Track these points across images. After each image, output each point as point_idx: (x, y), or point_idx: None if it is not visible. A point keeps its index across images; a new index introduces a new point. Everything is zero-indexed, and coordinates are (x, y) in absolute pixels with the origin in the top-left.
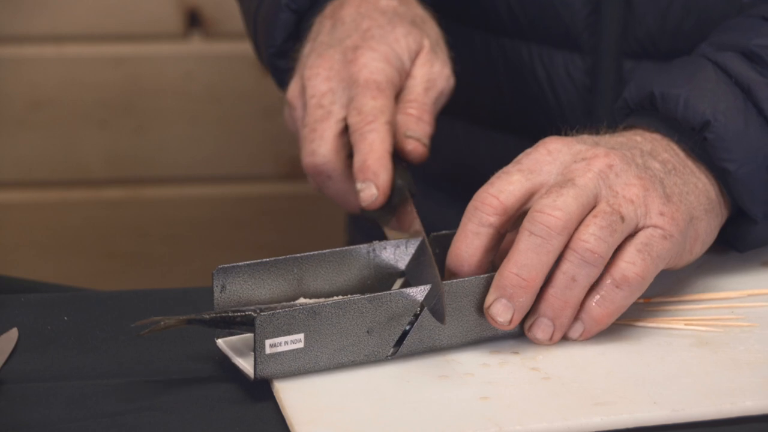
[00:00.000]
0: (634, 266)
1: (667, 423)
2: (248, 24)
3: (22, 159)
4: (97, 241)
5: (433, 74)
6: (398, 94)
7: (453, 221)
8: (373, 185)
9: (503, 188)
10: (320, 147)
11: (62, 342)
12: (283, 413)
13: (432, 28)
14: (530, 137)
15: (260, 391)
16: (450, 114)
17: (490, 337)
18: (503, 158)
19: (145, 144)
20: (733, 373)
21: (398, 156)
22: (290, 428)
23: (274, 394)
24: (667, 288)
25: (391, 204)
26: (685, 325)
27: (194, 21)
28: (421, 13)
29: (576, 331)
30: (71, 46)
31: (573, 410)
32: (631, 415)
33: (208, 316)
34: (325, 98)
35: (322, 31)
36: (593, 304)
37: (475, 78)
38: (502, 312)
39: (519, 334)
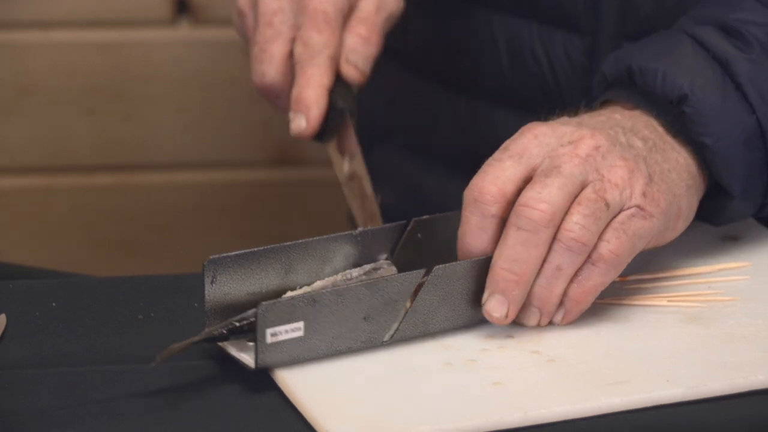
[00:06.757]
0: (609, 244)
1: (683, 400)
2: None
3: (9, 145)
4: (85, 227)
5: None
6: (347, 14)
7: (453, 194)
8: (303, 117)
9: (499, 174)
10: (269, 68)
11: (51, 329)
12: (300, 408)
13: None
14: (531, 114)
15: (252, 374)
16: (452, 89)
17: (482, 320)
18: (503, 133)
19: (133, 130)
20: (732, 347)
21: (341, 78)
22: (313, 423)
23: (283, 389)
24: (637, 266)
25: (332, 126)
26: (669, 302)
27: (182, 7)
28: None
29: (558, 315)
30: (58, 32)
31: (590, 392)
32: (648, 394)
33: (216, 332)
34: (275, 17)
35: None
36: (572, 285)
37: (478, 54)
38: (497, 307)
39: None
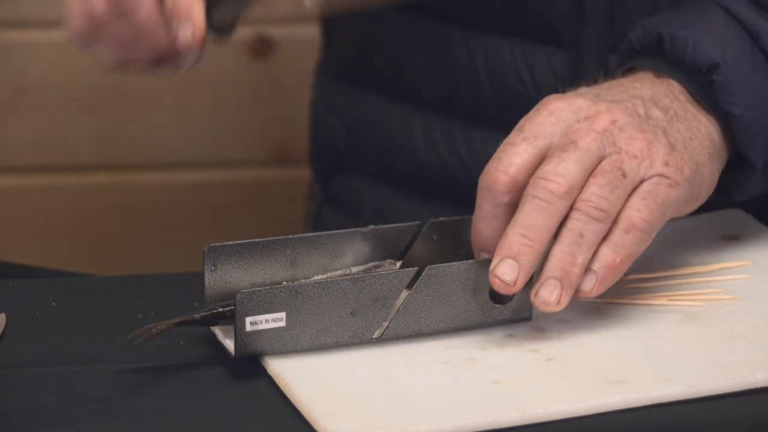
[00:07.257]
0: (639, 212)
1: (682, 399)
2: None
3: (9, 144)
4: (84, 226)
5: None
6: None
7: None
8: (189, 24)
9: (511, 161)
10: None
11: (51, 328)
12: (299, 407)
13: None
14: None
15: (252, 374)
16: (426, 111)
17: (477, 324)
18: (481, 154)
19: (132, 129)
20: (732, 346)
21: None
22: (311, 422)
23: (282, 388)
24: (637, 266)
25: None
26: (669, 301)
27: None
28: None
29: (589, 283)
30: (58, 32)
31: (589, 391)
32: (647, 393)
33: (198, 316)
34: None
35: None
36: (605, 250)
37: (454, 76)
38: (508, 271)
39: (507, 322)
